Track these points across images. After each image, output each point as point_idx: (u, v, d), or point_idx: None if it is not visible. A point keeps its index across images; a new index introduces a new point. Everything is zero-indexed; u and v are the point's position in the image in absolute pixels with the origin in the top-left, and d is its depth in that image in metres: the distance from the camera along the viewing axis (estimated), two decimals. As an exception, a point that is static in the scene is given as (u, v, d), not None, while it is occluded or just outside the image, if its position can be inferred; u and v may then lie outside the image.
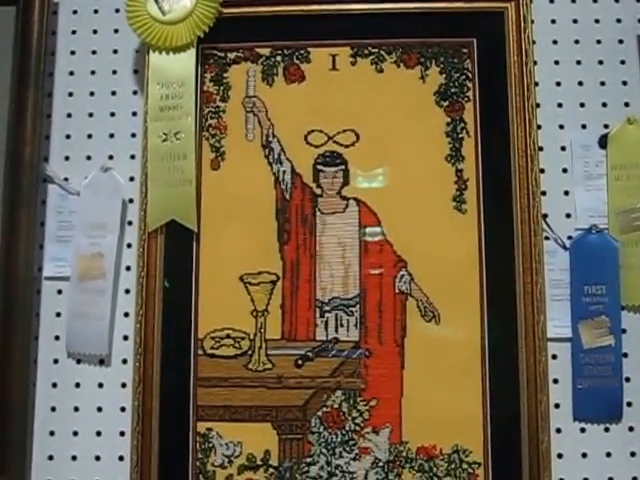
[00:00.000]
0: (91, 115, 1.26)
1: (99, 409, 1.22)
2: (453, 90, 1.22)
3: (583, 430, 1.19)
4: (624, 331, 1.20)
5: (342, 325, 1.20)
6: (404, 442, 1.16)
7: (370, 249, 1.20)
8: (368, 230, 1.20)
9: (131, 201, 1.24)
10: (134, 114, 1.25)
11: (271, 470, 1.17)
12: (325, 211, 1.21)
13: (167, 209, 1.19)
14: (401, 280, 1.19)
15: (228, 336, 1.20)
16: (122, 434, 1.20)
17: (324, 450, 1.17)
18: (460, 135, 1.21)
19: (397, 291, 1.19)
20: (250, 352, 1.19)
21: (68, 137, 1.26)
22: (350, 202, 1.20)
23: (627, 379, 1.20)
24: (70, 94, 1.27)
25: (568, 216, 1.23)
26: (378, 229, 1.20)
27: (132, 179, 1.24)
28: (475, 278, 1.18)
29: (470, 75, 1.22)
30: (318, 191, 1.21)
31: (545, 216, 1.22)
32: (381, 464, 1.16)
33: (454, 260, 1.19)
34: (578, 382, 1.20)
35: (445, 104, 1.22)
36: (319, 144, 1.21)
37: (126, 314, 1.23)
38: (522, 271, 1.17)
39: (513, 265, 1.17)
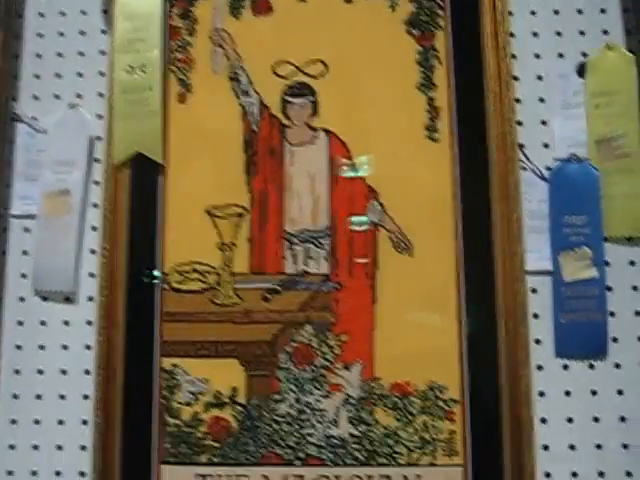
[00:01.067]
0: (60, 55, 1.25)
1: (64, 347, 1.18)
2: (424, 18, 1.19)
3: (566, 367, 1.13)
4: (607, 264, 1.15)
5: (311, 258, 1.15)
6: (377, 378, 1.11)
7: (340, 180, 1.18)
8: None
9: (99, 139, 1.21)
10: (102, 53, 1.23)
11: (238, 408, 1.12)
12: (294, 142, 1.17)
13: (133, 142, 1.17)
14: (372, 210, 1.17)
15: (194, 270, 1.16)
16: (87, 372, 1.16)
17: (293, 387, 1.13)
18: (431, 63, 1.17)
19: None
20: (217, 286, 1.16)
21: (37, 77, 1.24)
22: (319, 133, 1.17)
23: (612, 314, 1.14)
24: (39, 35, 1.26)
25: (546, 146, 1.18)
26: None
27: (100, 117, 1.21)
28: (449, 209, 1.13)
29: (441, 3, 1.20)
30: (286, 122, 1.18)
31: (522, 146, 1.17)
32: (353, 401, 1.11)
33: (427, 190, 1.14)
34: (560, 317, 1.14)
35: (416, 33, 1.19)
36: (287, 75, 1.18)
37: (92, 251, 1.20)
38: (498, 201, 1.13)
39: (489, 195, 1.13)
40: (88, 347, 1.17)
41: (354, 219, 1.14)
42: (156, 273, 1.16)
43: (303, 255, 1.15)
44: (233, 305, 1.14)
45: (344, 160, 1.16)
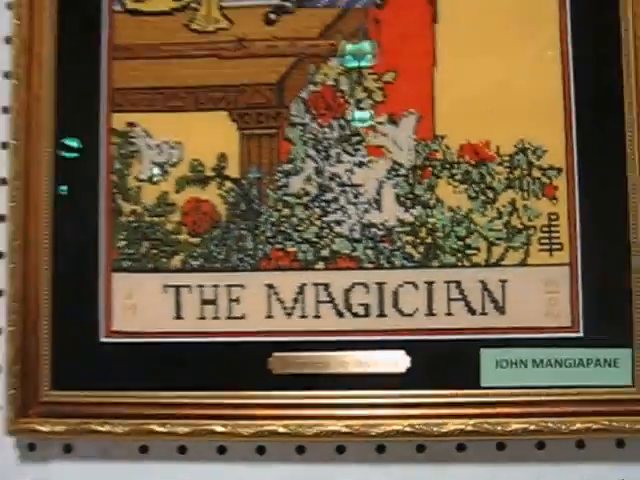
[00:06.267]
0: None
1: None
2: None
3: None
4: None
5: (339, -41, 0.80)
6: (439, 137, 0.72)
7: None
8: None
9: None
10: None
11: (228, 184, 0.74)
12: None
13: None
14: None
15: (160, -19, 0.81)
16: (4, 146, 0.79)
17: (312, 152, 0.74)
18: None
19: None
20: (194, 4, 0.77)
21: None
22: None
23: None
24: None
25: None
26: None
27: None
28: None
29: None
30: None
31: None
32: (403, 172, 0.73)
33: None
34: None
35: None
36: None
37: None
38: None
39: None
40: (5, 109, 0.79)
41: None
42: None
43: (326, -44, 0.80)
44: (220, 31, 0.75)
45: None
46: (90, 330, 0.74)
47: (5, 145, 0.79)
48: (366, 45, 0.75)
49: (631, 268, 0.72)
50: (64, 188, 0.75)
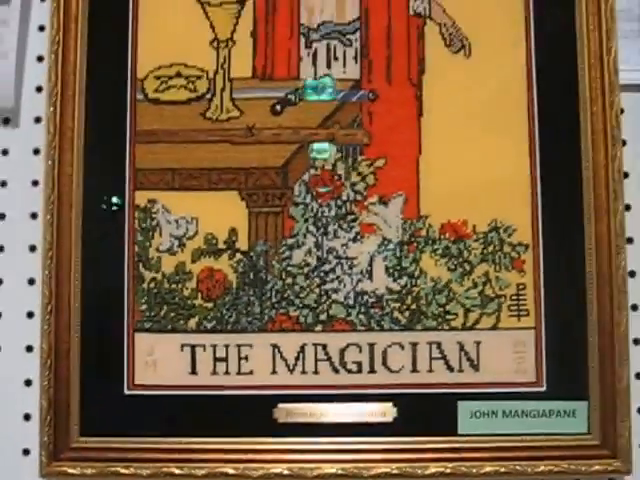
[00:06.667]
0: None
1: (2, 184, 0.88)
2: None
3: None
4: None
5: (336, 58, 0.86)
6: (423, 217, 0.84)
7: (374, -41, 0.91)
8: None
9: None
10: None
11: (238, 256, 0.84)
12: None
13: None
14: (417, -2, 0.90)
15: (179, 74, 0.86)
16: (33, 216, 0.86)
17: (312, 228, 0.84)
18: None
19: (412, 13, 0.88)
20: (209, 95, 0.85)
21: None
22: None
23: None
24: None
25: None
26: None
27: None
28: (519, -4, 0.89)
29: None
30: None
31: None
32: (391, 246, 0.84)
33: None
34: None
35: None
36: None
37: (40, 58, 0.89)
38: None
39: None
40: (35, 183, 0.89)
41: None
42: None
43: (325, 55, 0.85)
44: (231, 120, 0.85)
45: None
46: (116, 383, 0.83)
47: (35, 215, 0.89)
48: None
49: (587, 332, 0.85)
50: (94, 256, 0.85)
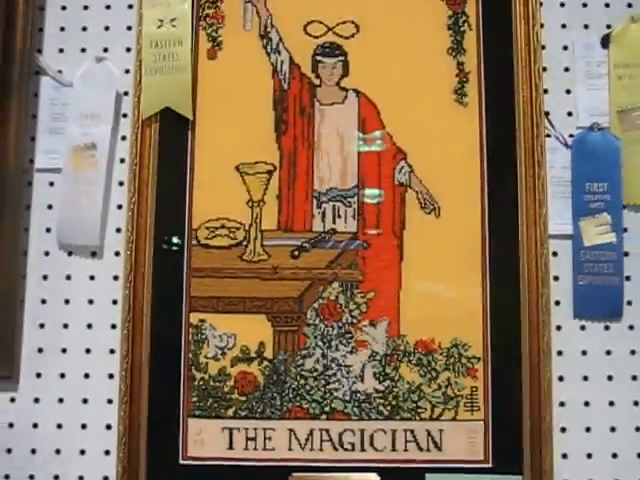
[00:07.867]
0: (86, 8, 1.23)
1: (90, 301, 1.19)
2: (455, -17, 1.22)
3: (583, 328, 1.17)
4: (625, 230, 1.18)
5: (340, 216, 1.17)
6: (402, 335, 1.14)
7: (369, 141, 1.19)
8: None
9: (126, 94, 1.21)
10: (130, 7, 1.22)
11: (265, 362, 1.14)
12: (324, 102, 1.18)
13: (162, 97, 1.17)
14: (400, 172, 1.17)
15: (223, 226, 1.17)
16: (113, 327, 1.17)
17: (320, 343, 1.14)
18: (462, 28, 1.18)
19: (396, 183, 1.18)
20: (245, 242, 1.16)
21: (62, 29, 1.23)
22: (349, 93, 1.18)
23: (628, 278, 1.17)
24: (65, -13, 1.28)
25: (570, 114, 1.20)
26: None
27: (127, 71, 1.21)
28: (476, 171, 1.16)
29: (473, -31, 1.23)
30: (317, 82, 1.18)
31: (547, 114, 1.19)
32: (378, 357, 1.13)
33: (455, 153, 1.16)
34: (579, 279, 1.18)
35: (446, -3, 1.23)
36: (319, 35, 1.19)
37: (119, 206, 1.20)
38: (524, 164, 1.16)
39: (514, 158, 1.15)
40: (114, 302, 1.18)
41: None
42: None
43: (331, 213, 1.17)
44: (261, 262, 1.16)
45: (373, 121, 1.18)
46: (173, 455, 1.13)
47: (114, 326, 1.17)
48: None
49: (522, 423, 1.12)
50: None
